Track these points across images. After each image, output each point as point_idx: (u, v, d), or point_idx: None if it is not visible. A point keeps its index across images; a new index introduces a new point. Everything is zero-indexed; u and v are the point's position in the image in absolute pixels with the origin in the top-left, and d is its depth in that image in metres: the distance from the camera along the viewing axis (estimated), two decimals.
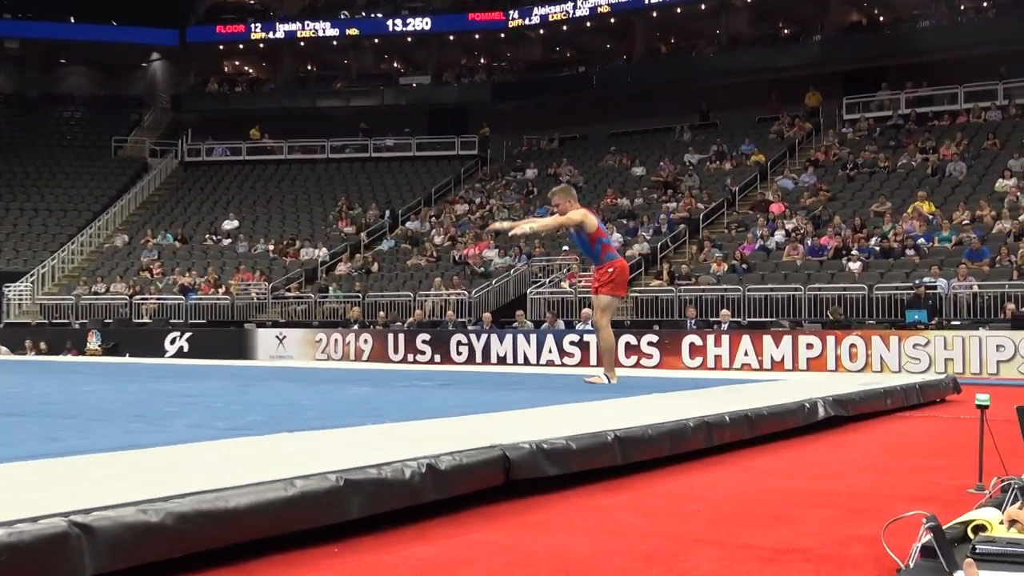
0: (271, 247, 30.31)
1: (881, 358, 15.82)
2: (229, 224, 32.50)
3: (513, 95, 37.32)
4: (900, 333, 16.18)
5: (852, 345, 16.03)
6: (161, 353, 21.54)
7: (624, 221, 26.94)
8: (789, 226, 24.00)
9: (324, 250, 29.52)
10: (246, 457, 3.85)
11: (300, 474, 3.36)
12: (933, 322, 17.42)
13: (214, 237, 31.80)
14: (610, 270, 8.78)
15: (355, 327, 21.32)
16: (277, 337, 21.34)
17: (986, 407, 4.40)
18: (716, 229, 25.66)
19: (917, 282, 18.78)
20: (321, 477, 3.38)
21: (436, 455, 3.83)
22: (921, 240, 21.57)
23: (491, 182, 33.72)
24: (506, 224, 9.75)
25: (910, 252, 21.07)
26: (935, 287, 18.86)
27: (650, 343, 17.33)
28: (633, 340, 17.37)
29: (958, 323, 17.77)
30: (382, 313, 22.85)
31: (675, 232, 25.36)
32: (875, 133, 29.31)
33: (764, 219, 24.62)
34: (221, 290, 26.73)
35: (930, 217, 22.83)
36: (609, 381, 8.81)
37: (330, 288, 26.14)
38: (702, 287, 21.25)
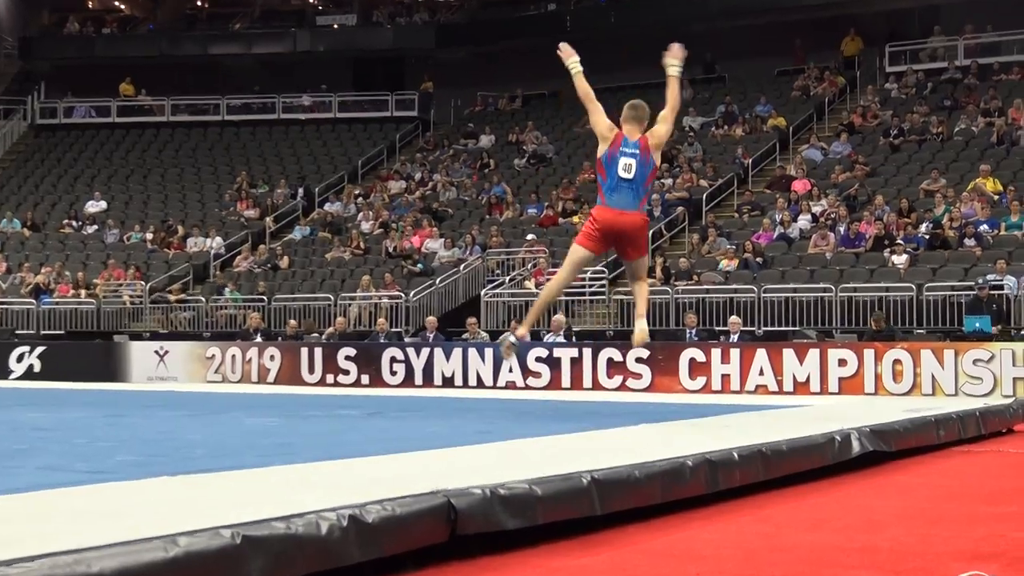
0: (149, 236, 30.07)
1: (933, 377, 15.95)
2: (94, 206, 32.20)
3: (463, 40, 37.30)
4: (957, 346, 16.32)
5: (896, 361, 16.15)
6: (5, 374, 21.29)
7: None
8: (817, 209, 24.16)
9: (218, 240, 29.32)
10: (114, 509, 3.83)
11: (185, 529, 3.34)
12: (998, 331, 17.59)
13: (75, 223, 31.51)
14: (647, 224, 9.17)
15: (258, 339, 21.19)
16: (157, 352, 21.17)
17: None
18: (724, 213, 25.80)
19: (979, 281, 18.95)
20: (212, 533, 3.36)
21: (361, 504, 3.83)
22: (984, 227, 21.78)
23: (435, 152, 33.68)
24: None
25: (970, 242, 21.28)
26: (1001, 287, 19.05)
27: (639, 359, 17.36)
28: (617, 355, 17.41)
29: None
30: (293, 322, 22.73)
31: (671, 217, 25.47)
32: (925, 90, 29.58)
33: (785, 200, 24.80)
34: (84, 292, 26.48)
35: (995, 197, 23.07)
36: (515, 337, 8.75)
37: (226, 289, 25.96)
38: (706, 287, 21.35)
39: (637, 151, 8.86)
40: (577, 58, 9.58)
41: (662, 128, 9.12)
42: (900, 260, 20.99)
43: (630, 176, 8.83)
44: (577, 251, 8.99)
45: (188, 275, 27.85)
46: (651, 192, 9.36)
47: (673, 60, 9.46)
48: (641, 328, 9.22)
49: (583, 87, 9.56)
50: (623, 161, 8.85)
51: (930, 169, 24.96)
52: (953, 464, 7.65)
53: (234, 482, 4.53)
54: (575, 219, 26.31)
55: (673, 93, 9.27)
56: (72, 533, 3.26)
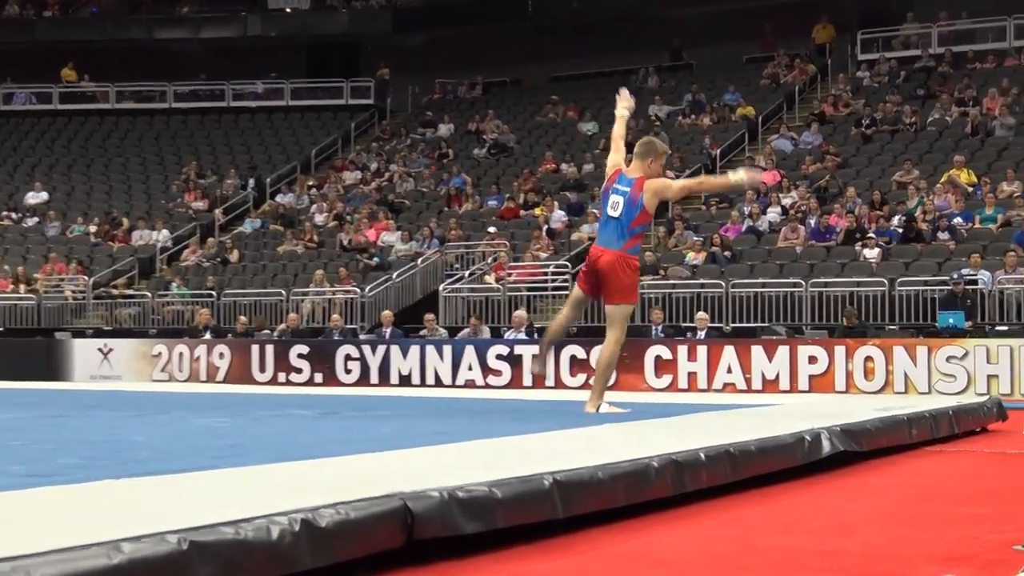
0: (92, 229, 29.91)
1: (905, 375, 16.08)
2: (35, 197, 32.00)
3: (421, 24, 37.30)
4: (930, 342, 16.45)
5: (867, 358, 16.27)
6: None
7: (569, 195, 27.07)
8: (786, 201, 24.31)
9: (165, 233, 29.20)
10: (55, 513, 3.80)
11: (129, 535, 3.32)
12: (972, 327, 17.74)
13: (14, 215, 31.30)
14: (628, 270, 8.89)
15: (207, 337, 21.12)
16: (100, 350, 21.07)
17: None
18: (691, 205, 25.89)
19: (954, 275, 19.10)
20: (158, 539, 3.34)
21: (314, 508, 3.81)
22: (958, 220, 21.97)
23: (391, 141, 33.65)
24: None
25: (943, 236, 21.45)
26: (976, 282, 19.21)
27: None
28: (580, 352, 17.45)
29: (1005, 328, 18.10)
30: (243, 318, 22.67)
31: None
32: (898, 79, 29.79)
33: (754, 192, 24.91)
34: (24, 287, 26.31)
35: (970, 190, 23.27)
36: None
37: (173, 284, 25.87)
38: (672, 282, 21.43)
39: (628, 189, 8.86)
40: (628, 104, 9.70)
41: (663, 184, 9.28)
42: (872, 254, 21.13)
43: (616, 214, 8.89)
44: (573, 289, 9.19)
45: (133, 269, 27.73)
46: (641, 237, 9.23)
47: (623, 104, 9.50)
48: (592, 404, 8.99)
49: (619, 130, 9.62)
50: (612, 198, 8.93)
51: (903, 160, 25.16)
52: (926, 464, 7.71)
53: (181, 486, 4.50)
54: (537, 211, 26.35)
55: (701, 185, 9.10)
56: (9, 539, 3.23)
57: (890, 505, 5.86)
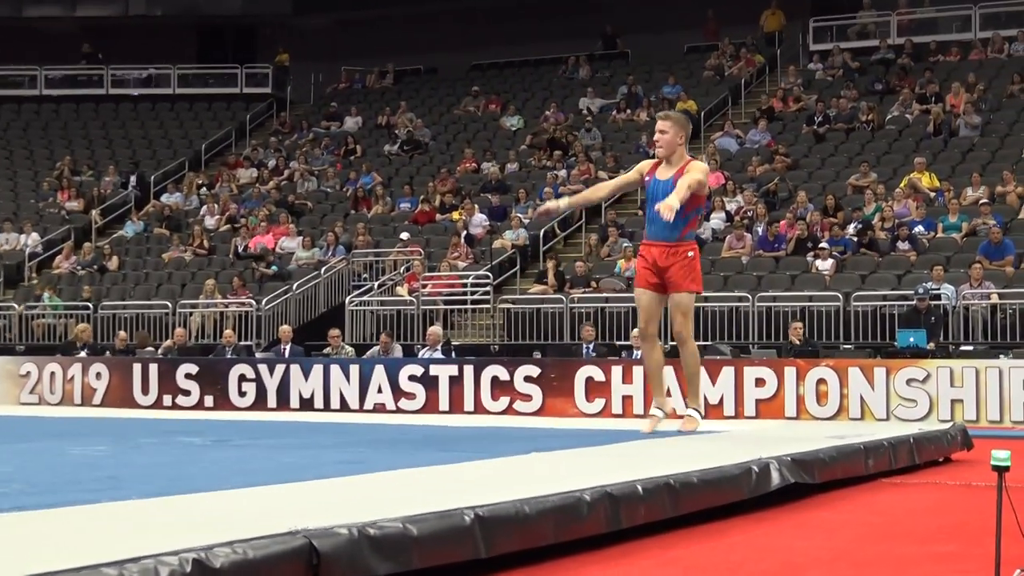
0: None
1: (861, 399, 16.20)
2: None
3: (325, 5, 37.16)
4: (888, 363, 16.60)
5: (820, 380, 16.37)
6: None
7: (490, 197, 27.11)
8: (731, 206, 24.47)
9: (34, 236, 28.89)
10: None
11: None
12: (935, 347, 17.94)
13: None
14: (690, 253, 9.38)
15: (83, 354, 20.91)
16: None
17: (1006, 469, 4.54)
18: (626, 210, 26.02)
19: (919, 290, 19.24)
20: None
21: (207, 547, 3.80)
22: (919, 228, 22.22)
23: (292, 135, 33.52)
24: (564, 203, 11.05)
25: (903, 246, 21.68)
26: (938, 296, 19.44)
27: (527, 378, 17.40)
28: (503, 374, 17.45)
29: (970, 348, 18.32)
30: (123, 333, 22.47)
31: (566, 214, 25.62)
32: (854, 72, 30.10)
33: None
34: None
35: (932, 195, 23.54)
36: (702, 417, 9.71)
37: (44, 295, 25.60)
38: (605, 295, 21.51)
39: (672, 174, 9.33)
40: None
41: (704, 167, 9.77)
42: (825, 266, 21.30)
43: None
44: (641, 299, 9.61)
45: None
46: (696, 222, 9.65)
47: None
48: (688, 415, 9.73)
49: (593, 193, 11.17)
50: (660, 188, 9.34)
51: (859, 162, 25.39)
52: (884, 498, 7.78)
53: (55, 522, 4.46)
54: (455, 216, 26.34)
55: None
56: None
57: (845, 544, 5.91)
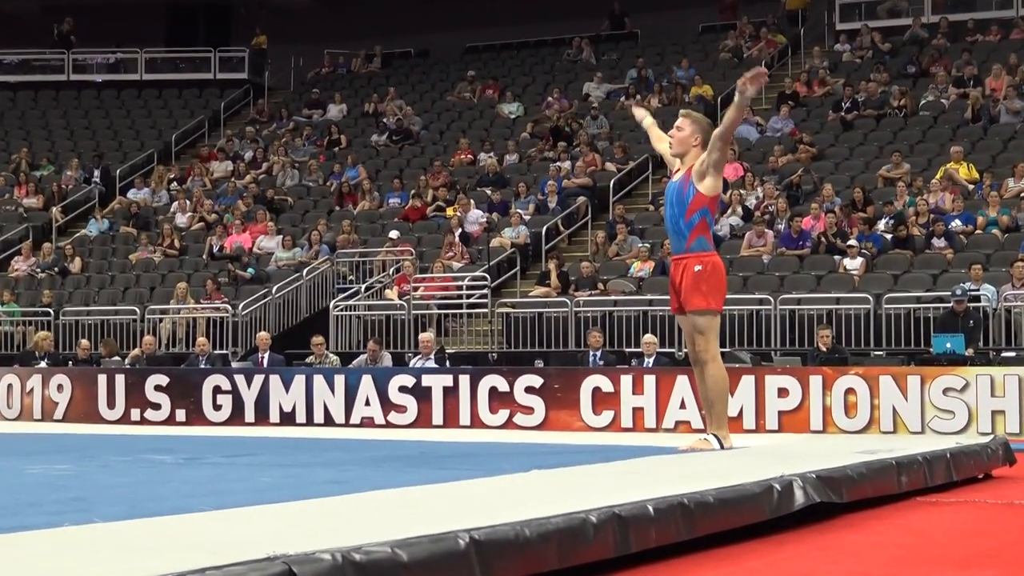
0: None
1: (894, 410, 16.21)
2: None
3: None
4: (923, 371, 16.61)
5: (849, 390, 16.37)
6: None
7: (488, 191, 27.12)
8: (750, 201, 24.48)
9: None
10: None
11: None
12: (974, 353, 17.94)
13: None
14: (697, 267, 9.27)
15: (43, 364, 20.93)
16: None
17: None
18: (636, 205, 26.05)
19: (956, 291, 19.23)
20: None
21: (179, 574, 3.82)
22: (956, 223, 22.23)
23: (270, 125, 33.53)
24: (648, 121, 10.42)
25: (939, 243, 21.69)
26: (978, 298, 19.45)
27: (529, 389, 17.41)
28: (502, 384, 17.46)
29: (1012, 355, 18.32)
30: (85, 341, 22.48)
31: (570, 209, 25.64)
32: (885, 54, 30.10)
33: None
34: None
35: (970, 187, 23.55)
36: (723, 445, 9.36)
37: (0, 300, 25.64)
38: (613, 298, 21.52)
39: (681, 174, 9.28)
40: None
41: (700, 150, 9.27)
42: (853, 265, 21.30)
43: (670, 210, 9.45)
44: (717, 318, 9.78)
45: None
46: (705, 227, 9.40)
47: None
48: (704, 438, 9.66)
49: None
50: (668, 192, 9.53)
51: (890, 151, 25.35)
52: (918, 518, 7.79)
53: (14, 548, 4.48)
54: (449, 212, 26.35)
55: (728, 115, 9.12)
56: None
57: (875, 568, 5.92)
